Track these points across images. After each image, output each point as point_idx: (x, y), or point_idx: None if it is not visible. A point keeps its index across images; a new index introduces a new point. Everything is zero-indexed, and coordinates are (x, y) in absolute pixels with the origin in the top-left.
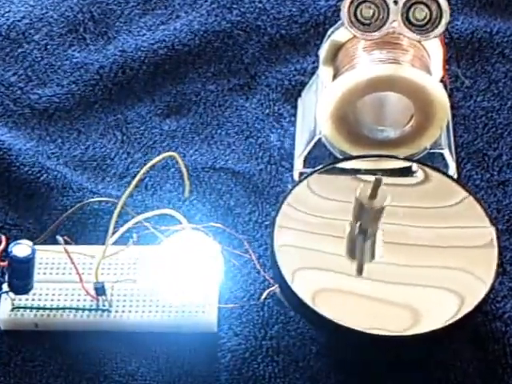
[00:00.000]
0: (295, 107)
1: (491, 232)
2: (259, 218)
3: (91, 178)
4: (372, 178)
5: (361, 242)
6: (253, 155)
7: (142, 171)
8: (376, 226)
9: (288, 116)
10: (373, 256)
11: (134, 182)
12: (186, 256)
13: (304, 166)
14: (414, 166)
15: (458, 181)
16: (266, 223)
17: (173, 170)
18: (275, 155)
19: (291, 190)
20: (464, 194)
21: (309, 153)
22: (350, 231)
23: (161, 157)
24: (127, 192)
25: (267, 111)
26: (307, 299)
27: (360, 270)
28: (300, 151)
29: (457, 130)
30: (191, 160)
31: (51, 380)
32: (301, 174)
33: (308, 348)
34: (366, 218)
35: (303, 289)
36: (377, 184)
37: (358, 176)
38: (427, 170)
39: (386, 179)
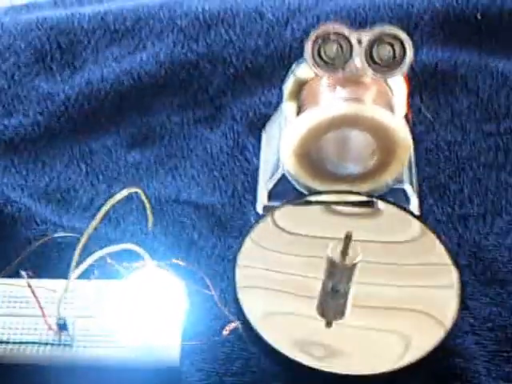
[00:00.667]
0: (259, 139)
1: (452, 271)
2: (222, 251)
3: (55, 210)
4: (340, 233)
5: (331, 301)
6: (216, 188)
7: (106, 207)
8: (348, 285)
9: (252, 148)
10: (343, 314)
11: (97, 218)
12: (149, 293)
13: (268, 200)
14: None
15: (418, 217)
16: (230, 257)
17: (136, 202)
18: (239, 188)
19: (254, 224)
20: (425, 229)
21: (273, 187)
22: (321, 289)
23: (126, 191)
24: (91, 227)
25: (231, 143)
26: (271, 340)
27: (329, 325)
28: (264, 185)
29: (419, 163)
30: (155, 192)
31: None
32: (265, 207)
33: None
34: (339, 277)
35: (266, 330)
36: (347, 240)
37: (325, 208)
38: (388, 205)
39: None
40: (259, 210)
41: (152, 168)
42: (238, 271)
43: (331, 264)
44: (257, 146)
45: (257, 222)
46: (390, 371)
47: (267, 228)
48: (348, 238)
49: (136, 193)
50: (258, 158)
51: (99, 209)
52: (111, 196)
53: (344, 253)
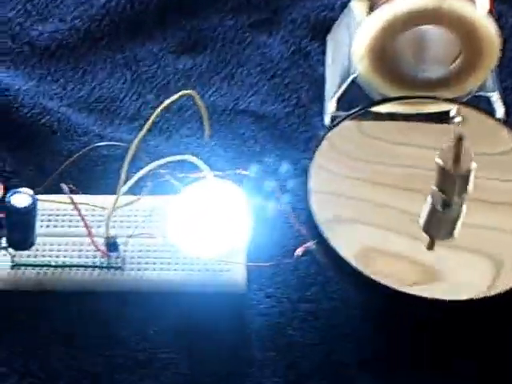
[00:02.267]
0: (323, 45)
1: None
2: (289, 165)
3: (98, 121)
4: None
5: (441, 216)
6: (278, 97)
7: (156, 112)
8: (462, 197)
9: (316, 54)
10: (451, 234)
11: (147, 125)
12: (209, 208)
13: (337, 110)
14: (453, 112)
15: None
16: (297, 171)
17: (190, 112)
18: (303, 97)
19: (325, 135)
20: None
21: (342, 94)
22: (430, 204)
23: (177, 95)
24: (140, 135)
25: (293, 49)
26: (349, 257)
27: (431, 246)
28: (332, 93)
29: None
30: (210, 101)
31: (57, 344)
32: (333, 117)
33: (350, 312)
34: (451, 188)
35: (344, 245)
36: (459, 144)
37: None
38: (476, 113)
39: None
40: (327, 120)
41: (205, 75)
42: (311, 182)
43: (442, 173)
44: (321, 52)
45: (326, 132)
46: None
47: (345, 134)
48: (459, 141)
49: (189, 100)
50: (322, 65)
51: (148, 119)
52: (159, 105)
53: (456, 159)
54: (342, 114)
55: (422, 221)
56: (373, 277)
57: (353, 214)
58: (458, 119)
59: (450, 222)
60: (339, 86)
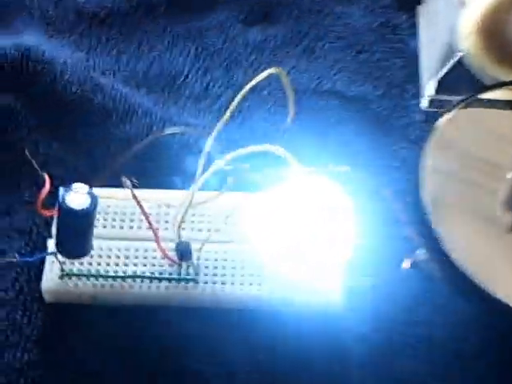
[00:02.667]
0: (413, 17)
1: None
2: (385, 156)
3: (160, 101)
4: None
5: None
6: (368, 76)
7: (242, 93)
8: None
9: (406, 27)
10: None
11: (231, 107)
12: (302, 209)
13: (437, 93)
14: None
15: None
16: (396, 164)
17: (265, 92)
18: (396, 76)
19: (433, 125)
20: None
21: (444, 75)
22: None
23: (265, 73)
24: (224, 119)
25: (379, 20)
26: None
27: None
28: (429, 73)
29: None
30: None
31: (113, 369)
32: (432, 101)
33: (479, 337)
34: None
35: (465, 257)
36: None
37: None
38: None
39: None
40: (424, 103)
41: (280, 49)
42: (426, 180)
43: None
44: (411, 25)
45: (438, 117)
46: None
47: (454, 124)
48: None
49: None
50: (415, 39)
51: (217, 99)
52: (230, 83)
53: None
54: (443, 97)
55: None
56: (503, 299)
57: (474, 222)
58: None
59: None
60: (441, 66)
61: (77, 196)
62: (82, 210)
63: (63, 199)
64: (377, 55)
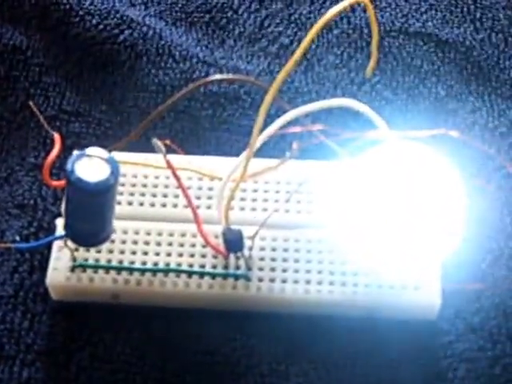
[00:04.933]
0: None
1: None
2: (491, 119)
3: (203, 41)
4: None
5: None
6: (464, 16)
7: (313, 32)
8: None
9: None
10: None
11: (298, 52)
12: (398, 185)
13: None
14: None
15: None
16: (502, 129)
17: (336, 31)
18: (500, 18)
19: None
20: None
21: None
22: None
23: (346, 2)
24: (287, 68)
25: None
26: None
27: None
28: None
29: None
30: (364, 18)
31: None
32: None
33: None
34: None
35: None
36: None
37: None
38: None
39: None
40: None
41: None
42: None
43: None
44: None
45: None
46: None
47: None
48: None
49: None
50: None
51: (274, 40)
52: (291, 20)
53: None
54: None
55: None
56: None
57: None
58: None
59: None
60: None
61: (92, 163)
62: (98, 182)
63: (73, 167)
64: None
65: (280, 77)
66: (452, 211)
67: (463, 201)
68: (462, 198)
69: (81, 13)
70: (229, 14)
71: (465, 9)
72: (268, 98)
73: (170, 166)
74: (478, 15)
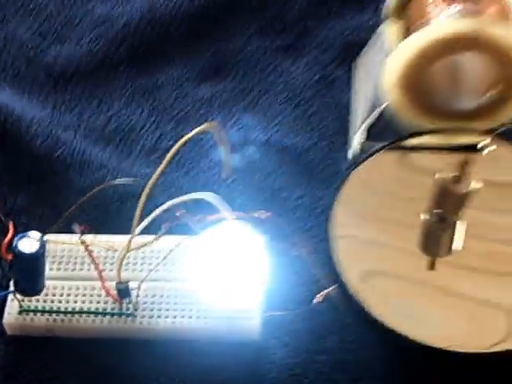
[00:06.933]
0: (349, 71)
1: None
2: (310, 203)
3: (114, 154)
4: (451, 158)
5: (437, 233)
6: (302, 128)
7: (176, 147)
8: (458, 215)
9: (341, 82)
10: (449, 250)
11: (165, 161)
12: (227, 252)
13: (362, 142)
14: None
15: None
16: (318, 210)
17: (210, 144)
18: (329, 128)
19: (351, 170)
20: None
21: (370, 126)
22: (426, 219)
23: (199, 129)
24: (158, 171)
25: (317, 76)
26: (375, 308)
27: (432, 266)
28: (357, 124)
29: None
30: (231, 133)
31: None
32: (359, 150)
33: (373, 365)
34: (448, 205)
35: (368, 294)
36: (464, 165)
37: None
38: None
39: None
40: (350, 154)
41: (226, 105)
42: (333, 224)
43: (441, 189)
44: (347, 79)
45: (358, 163)
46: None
47: (370, 171)
48: (465, 162)
49: (208, 132)
50: (348, 94)
51: (166, 152)
52: (179, 137)
53: (458, 178)
54: (368, 146)
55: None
56: (402, 332)
57: (380, 263)
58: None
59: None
60: (367, 117)
61: (29, 242)
62: (31, 253)
63: (16, 245)
64: (312, 109)
65: (153, 178)
66: (259, 266)
67: (265, 255)
68: (264, 253)
69: (29, 136)
70: (134, 134)
71: (301, 122)
72: (144, 193)
73: (83, 242)
74: (311, 127)
